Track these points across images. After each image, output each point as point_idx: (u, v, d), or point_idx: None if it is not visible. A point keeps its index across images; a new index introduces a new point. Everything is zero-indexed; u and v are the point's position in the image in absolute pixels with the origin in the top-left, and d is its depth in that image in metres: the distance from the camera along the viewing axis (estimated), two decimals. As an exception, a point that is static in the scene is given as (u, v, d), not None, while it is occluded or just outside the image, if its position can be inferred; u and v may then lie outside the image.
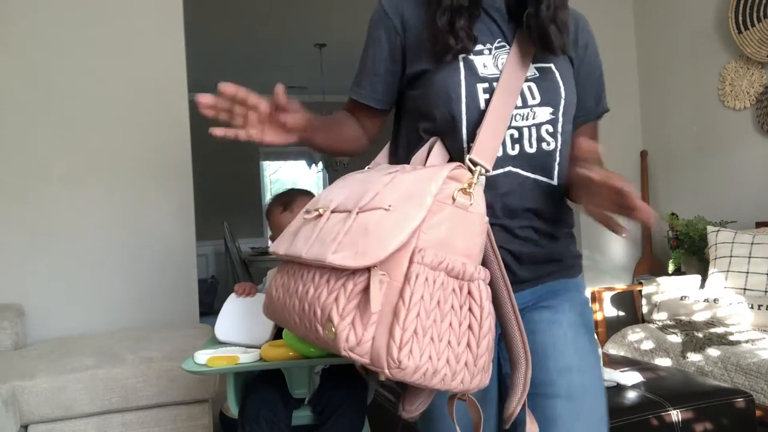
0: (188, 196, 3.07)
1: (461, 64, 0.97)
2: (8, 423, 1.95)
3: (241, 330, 1.49)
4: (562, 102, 0.99)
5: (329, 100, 6.71)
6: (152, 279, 2.96)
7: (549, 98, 0.98)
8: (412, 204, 0.79)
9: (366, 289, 0.75)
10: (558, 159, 1.00)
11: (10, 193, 2.77)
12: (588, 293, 3.33)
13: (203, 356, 1.34)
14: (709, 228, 3.05)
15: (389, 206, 0.79)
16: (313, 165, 6.78)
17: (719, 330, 2.51)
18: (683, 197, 3.53)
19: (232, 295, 1.59)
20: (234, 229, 5.25)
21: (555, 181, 1.01)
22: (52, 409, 2.10)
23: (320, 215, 0.87)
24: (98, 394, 2.15)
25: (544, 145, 0.98)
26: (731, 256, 2.84)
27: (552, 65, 1.00)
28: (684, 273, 3.31)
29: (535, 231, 1.01)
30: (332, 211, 0.86)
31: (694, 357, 2.37)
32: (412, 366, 0.73)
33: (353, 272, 0.77)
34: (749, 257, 2.77)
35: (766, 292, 2.66)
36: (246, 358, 1.34)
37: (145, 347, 2.34)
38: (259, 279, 1.72)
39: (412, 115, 1.06)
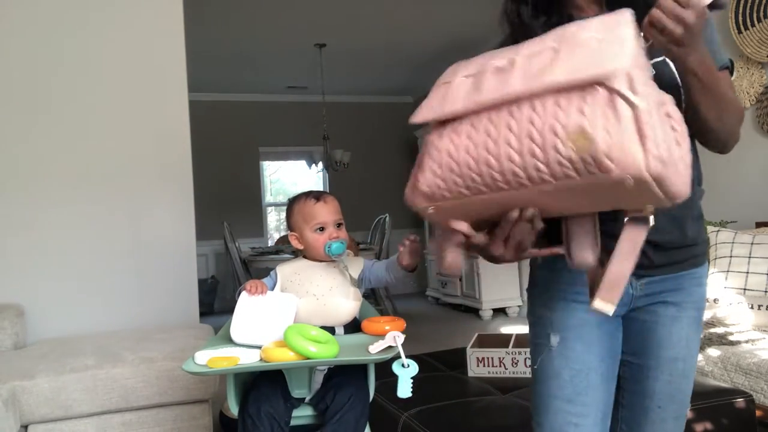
0: (188, 196, 3.07)
1: None
2: (8, 423, 1.95)
3: (258, 332, 1.43)
4: (682, 91, 1.02)
5: (329, 100, 6.71)
6: (152, 279, 2.96)
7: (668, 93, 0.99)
8: (617, 26, 0.79)
9: (608, 102, 0.75)
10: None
11: (10, 193, 2.77)
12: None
13: (203, 357, 1.33)
14: (709, 228, 3.04)
15: (596, 33, 0.78)
16: (313, 165, 6.78)
17: (719, 330, 2.51)
18: (683, 197, 3.52)
19: (244, 294, 1.52)
20: (234, 229, 5.25)
21: None
22: (52, 409, 2.10)
23: (514, 61, 0.82)
24: (98, 394, 2.15)
25: None
26: (731, 256, 2.84)
27: (665, 58, 1.03)
28: (684, 273, 3.31)
29: (672, 218, 1.06)
30: (525, 57, 0.82)
31: (694, 357, 2.37)
32: (664, 157, 0.75)
33: (582, 89, 0.76)
34: (749, 257, 2.76)
35: (766, 292, 2.65)
36: (246, 358, 1.34)
37: (145, 347, 2.34)
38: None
39: None
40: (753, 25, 3.11)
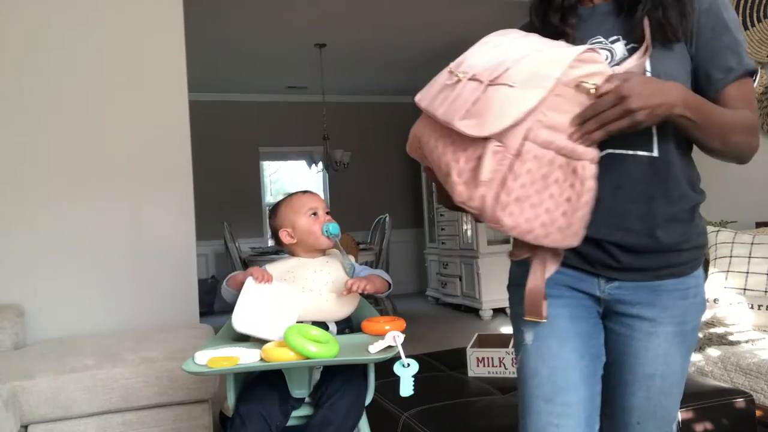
0: (188, 196, 3.07)
1: None
2: (8, 423, 1.94)
3: (263, 322, 1.40)
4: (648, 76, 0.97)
5: (329, 100, 6.70)
6: (152, 279, 2.96)
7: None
8: (533, 85, 0.87)
9: (475, 161, 0.89)
10: (655, 129, 0.99)
11: (11, 193, 2.77)
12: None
13: (203, 357, 1.33)
14: (709, 228, 3.04)
15: (514, 84, 0.87)
16: (313, 165, 6.78)
17: (719, 330, 2.51)
18: (683, 197, 3.52)
19: (249, 280, 1.48)
20: (234, 229, 5.25)
21: (655, 153, 1.00)
22: (52, 409, 2.10)
23: (459, 80, 0.94)
24: (98, 394, 2.15)
25: None
26: (731, 256, 2.84)
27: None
28: (684, 273, 3.31)
29: (641, 217, 1.01)
30: (469, 79, 0.93)
31: (694, 357, 2.37)
32: (509, 224, 0.89)
33: (475, 139, 0.89)
34: (749, 257, 2.76)
35: (766, 292, 2.65)
36: (246, 358, 1.34)
37: (145, 347, 2.34)
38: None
39: None
40: (753, 25, 3.11)
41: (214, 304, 6.63)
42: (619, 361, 1.08)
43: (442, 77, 0.99)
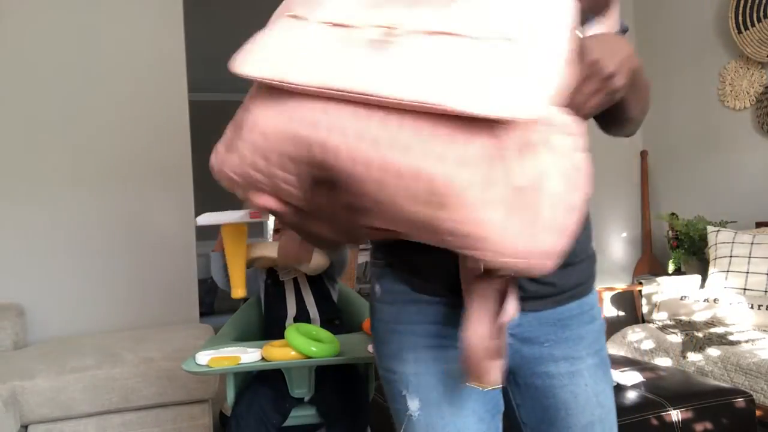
0: (188, 196, 3.07)
1: None
2: (8, 423, 1.95)
3: (218, 216, 1.54)
4: None
5: (329, 100, 6.71)
6: (152, 279, 2.96)
7: None
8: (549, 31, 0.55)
9: (493, 159, 0.53)
10: None
11: (11, 193, 2.77)
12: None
13: (205, 357, 1.34)
14: (709, 228, 3.05)
15: (509, 31, 0.52)
16: (313, 165, 6.78)
17: (719, 330, 2.51)
18: (683, 197, 3.53)
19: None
20: (234, 229, 5.25)
21: None
22: (52, 409, 2.10)
23: (391, 34, 0.53)
24: (98, 394, 2.15)
25: None
26: (731, 256, 2.84)
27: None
28: (684, 273, 3.31)
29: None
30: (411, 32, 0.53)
31: (694, 357, 2.37)
32: (521, 249, 0.58)
33: (475, 123, 0.52)
34: (749, 257, 2.77)
35: (766, 292, 2.66)
36: (247, 358, 1.34)
37: (145, 347, 2.34)
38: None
39: None
40: (753, 25, 3.11)
41: (214, 304, 6.63)
42: (546, 418, 0.88)
43: (316, 35, 0.59)
